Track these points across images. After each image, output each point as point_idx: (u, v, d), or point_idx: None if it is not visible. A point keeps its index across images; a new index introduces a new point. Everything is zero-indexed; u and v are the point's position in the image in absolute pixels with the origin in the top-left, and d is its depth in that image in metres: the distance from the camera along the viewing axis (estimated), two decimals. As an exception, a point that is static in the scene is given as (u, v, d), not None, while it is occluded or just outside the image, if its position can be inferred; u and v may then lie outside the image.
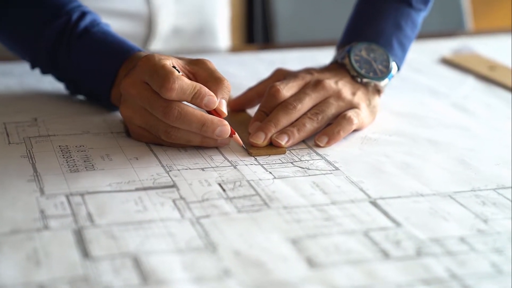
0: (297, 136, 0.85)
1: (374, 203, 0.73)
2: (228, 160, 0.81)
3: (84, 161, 0.80)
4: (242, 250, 0.64)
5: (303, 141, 0.87)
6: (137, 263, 0.61)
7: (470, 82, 1.12)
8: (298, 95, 0.88)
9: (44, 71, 0.96)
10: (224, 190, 0.74)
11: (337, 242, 0.65)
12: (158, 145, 0.84)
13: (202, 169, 0.79)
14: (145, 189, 0.74)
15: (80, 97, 0.98)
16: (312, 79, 0.91)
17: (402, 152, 0.85)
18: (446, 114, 0.99)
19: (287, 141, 0.84)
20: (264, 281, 0.60)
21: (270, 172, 0.79)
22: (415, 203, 0.73)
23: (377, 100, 0.94)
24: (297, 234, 0.66)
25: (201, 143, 0.82)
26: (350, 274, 0.61)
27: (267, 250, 0.64)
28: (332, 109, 0.88)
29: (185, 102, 0.81)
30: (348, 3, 1.12)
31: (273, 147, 0.84)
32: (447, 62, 1.22)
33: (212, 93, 0.81)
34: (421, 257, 0.63)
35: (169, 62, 0.81)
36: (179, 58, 0.85)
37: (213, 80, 0.83)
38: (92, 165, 0.79)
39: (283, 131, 0.85)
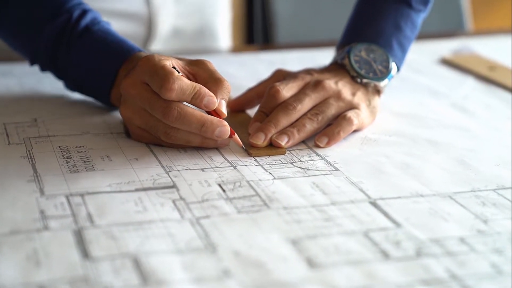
0: (297, 136, 0.85)
1: (374, 204, 0.73)
2: (228, 161, 0.81)
3: (84, 162, 0.80)
4: (242, 250, 0.64)
5: (303, 141, 0.87)
6: (137, 264, 0.61)
7: (470, 82, 1.12)
8: (298, 96, 0.88)
9: (43, 69, 0.96)
10: (224, 190, 0.74)
11: (337, 242, 0.65)
12: (158, 145, 0.84)
13: (202, 169, 0.79)
14: (145, 189, 0.74)
15: (80, 96, 0.98)
16: (312, 80, 0.91)
17: (402, 152, 0.85)
18: (446, 115, 0.99)
19: (287, 142, 0.84)
20: (264, 281, 0.60)
21: (270, 173, 0.79)
22: (415, 204, 0.73)
23: (377, 100, 0.94)
24: (297, 235, 0.66)
25: (200, 144, 0.82)
26: (350, 275, 0.61)
27: (267, 250, 0.64)
28: (332, 109, 0.88)
29: (185, 103, 0.81)
30: (347, 4, 1.12)
31: (273, 147, 0.84)
32: (447, 62, 1.22)
33: (212, 94, 0.81)
34: (421, 258, 0.63)
35: (169, 63, 0.81)
36: (179, 59, 0.85)
37: (213, 81, 0.83)
38: (92, 165, 0.79)
39: (283, 132, 0.85)
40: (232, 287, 0.59)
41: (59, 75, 0.96)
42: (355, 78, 0.93)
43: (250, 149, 0.83)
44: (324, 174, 0.79)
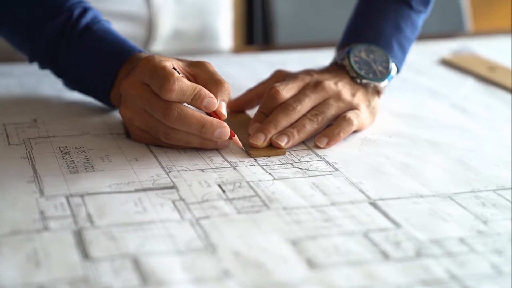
0: (297, 137, 0.85)
1: (373, 204, 0.73)
2: (228, 161, 0.81)
3: (84, 162, 0.80)
4: (241, 251, 0.64)
5: (303, 142, 0.87)
6: (137, 264, 0.61)
7: (469, 83, 1.12)
8: (298, 96, 0.88)
9: (43, 67, 0.96)
10: (223, 191, 0.74)
11: (337, 243, 0.65)
12: (157, 146, 0.84)
13: (202, 170, 0.79)
14: (144, 190, 0.74)
15: (80, 97, 0.98)
16: (312, 80, 0.91)
17: (402, 153, 0.85)
18: (446, 115, 0.99)
19: (287, 142, 0.84)
20: (264, 282, 0.60)
21: (270, 173, 0.79)
22: (415, 204, 0.73)
23: (376, 101, 0.94)
24: (297, 235, 0.66)
25: (200, 145, 0.82)
26: (350, 275, 0.61)
27: (267, 251, 0.64)
28: (331, 110, 0.88)
29: (185, 104, 0.81)
30: (347, 4, 1.12)
31: (272, 148, 0.84)
32: (447, 63, 1.22)
33: (212, 95, 0.81)
34: (421, 258, 0.63)
35: (169, 64, 0.81)
36: (180, 60, 0.85)
37: (213, 83, 0.83)
38: (92, 166, 0.79)
39: (282, 132, 0.85)
40: (232, 288, 0.59)
41: (58, 73, 0.96)
42: (355, 79, 0.93)
43: (250, 150, 0.83)
44: (324, 175, 0.79)
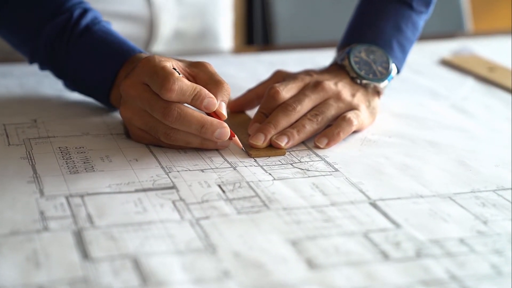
0: (297, 137, 0.85)
1: (373, 205, 0.73)
2: (228, 162, 0.81)
3: (84, 163, 0.80)
4: (241, 251, 0.64)
5: (303, 142, 0.87)
6: (137, 265, 0.61)
7: (469, 83, 1.12)
8: (298, 97, 0.88)
9: (43, 67, 0.96)
10: (223, 191, 0.74)
11: (336, 243, 0.65)
12: (157, 146, 0.84)
13: (202, 170, 0.79)
14: (144, 190, 0.74)
15: (80, 97, 0.98)
16: (312, 81, 0.91)
17: (402, 153, 0.85)
18: (446, 116, 0.99)
19: (287, 143, 0.84)
20: (263, 282, 0.60)
21: (270, 174, 0.79)
22: (414, 205, 0.73)
23: (376, 101, 0.94)
24: (296, 236, 0.66)
25: (200, 145, 0.82)
26: (350, 276, 0.61)
27: (266, 251, 0.64)
28: (331, 110, 0.88)
29: (185, 104, 0.81)
30: (347, 5, 1.12)
31: (272, 148, 0.84)
32: (447, 63, 1.22)
33: (212, 95, 0.81)
34: (420, 259, 0.63)
35: (169, 64, 0.81)
36: (179, 60, 0.85)
37: (213, 83, 0.83)
38: (92, 166, 0.79)
39: (282, 133, 0.85)
40: (232, 288, 0.59)
41: (58, 74, 0.96)
42: (355, 79, 0.93)
43: (249, 150, 0.83)
44: (324, 175, 0.79)
